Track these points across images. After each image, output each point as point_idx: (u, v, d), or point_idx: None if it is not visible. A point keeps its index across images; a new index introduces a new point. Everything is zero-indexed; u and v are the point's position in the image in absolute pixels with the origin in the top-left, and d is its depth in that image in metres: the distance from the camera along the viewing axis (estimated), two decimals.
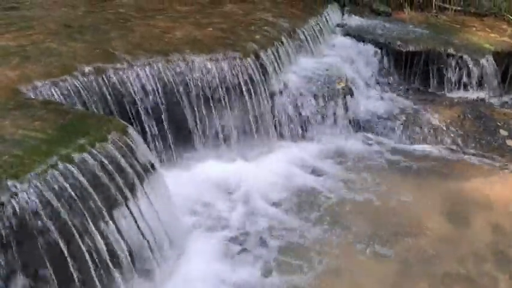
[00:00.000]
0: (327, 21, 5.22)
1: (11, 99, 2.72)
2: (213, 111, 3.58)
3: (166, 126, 3.39)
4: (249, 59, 3.72)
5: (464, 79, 4.80)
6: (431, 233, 3.11)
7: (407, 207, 3.33)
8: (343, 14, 5.78)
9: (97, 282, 2.15)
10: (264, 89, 3.79)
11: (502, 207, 3.37)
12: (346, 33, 5.17)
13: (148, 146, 3.18)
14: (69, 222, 2.06)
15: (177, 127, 3.47)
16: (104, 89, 3.12)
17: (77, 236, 2.08)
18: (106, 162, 2.33)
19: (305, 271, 2.76)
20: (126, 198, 2.37)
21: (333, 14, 5.47)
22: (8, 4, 4.59)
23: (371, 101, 4.58)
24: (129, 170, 2.44)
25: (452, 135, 4.23)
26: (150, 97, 3.31)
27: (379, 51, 4.91)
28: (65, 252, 2.03)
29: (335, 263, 2.83)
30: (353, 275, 2.77)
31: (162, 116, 3.37)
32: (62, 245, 2.01)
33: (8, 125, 2.41)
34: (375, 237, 3.04)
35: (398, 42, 4.93)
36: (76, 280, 2.06)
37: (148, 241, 2.47)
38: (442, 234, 3.10)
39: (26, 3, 4.68)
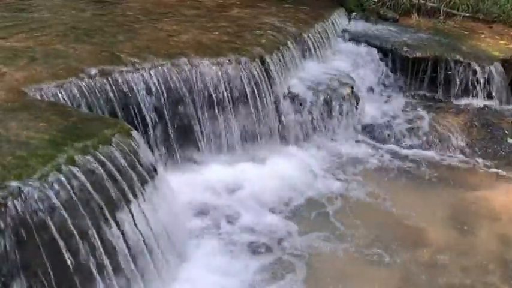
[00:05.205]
0: (334, 26, 5.21)
1: (17, 101, 2.73)
2: (218, 114, 3.59)
3: (170, 129, 3.39)
4: (254, 63, 3.72)
5: (472, 86, 4.76)
6: (436, 241, 3.08)
7: (412, 215, 3.30)
8: (349, 20, 5.77)
9: (96, 285, 2.14)
10: (269, 93, 3.78)
11: (508, 216, 3.33)
12: (353, 39, 5.16)
13: (152, 149, 3.18)
14: (71, 224, 2.06)
15: (182, 130, 3.47)
16: (110, 91, 3.13)
17: (77, 237, 2.08)
18: (109, 164, 2.33)
19: (308, 277, 2.74)
20: (128, 201, 2.37)
21: (339, 19, 5.46)
22: (16, 6, 4.63)
23: (376, 107, 4.56)
24: (132, 173, 2.43)
25: (458, 143, 4.19)
26: (155, 100, 3.32)
27: (385, 57, 4.89)
28: (65, 253, 2.03)
29: (337, 270, 2.81)
30: (355, 282, 2.74)
31: (167, 119, 3.37)
32: (62, 246, 2.01)
33: (14, 126, 2.41)
34: (379, 244, 3.02)
35: (405, 48, 4.90)
36: (75, 281, 2.06)
37: (150, 244, 2.46)
38: (447, 243, 3.07)
39: (34, 5, 4.72)
